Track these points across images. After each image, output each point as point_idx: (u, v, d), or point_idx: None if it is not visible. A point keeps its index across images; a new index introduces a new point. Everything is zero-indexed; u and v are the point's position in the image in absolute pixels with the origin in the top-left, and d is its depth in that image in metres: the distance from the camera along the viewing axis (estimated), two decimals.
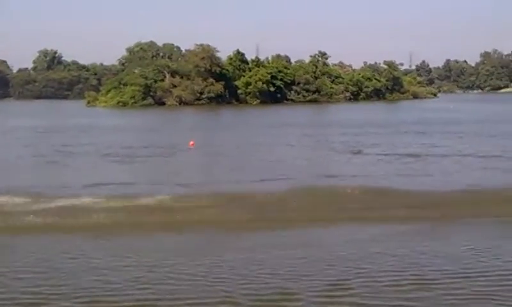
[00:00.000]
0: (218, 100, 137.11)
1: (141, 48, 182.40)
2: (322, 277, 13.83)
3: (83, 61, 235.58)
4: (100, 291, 13.10)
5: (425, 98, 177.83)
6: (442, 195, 23.66)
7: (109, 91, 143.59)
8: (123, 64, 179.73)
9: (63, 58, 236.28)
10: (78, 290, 13.16)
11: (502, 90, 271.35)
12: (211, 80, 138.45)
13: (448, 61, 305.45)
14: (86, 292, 13.05)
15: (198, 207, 21.52)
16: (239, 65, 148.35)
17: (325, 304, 12.33)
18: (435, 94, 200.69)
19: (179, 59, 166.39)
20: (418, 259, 15.33)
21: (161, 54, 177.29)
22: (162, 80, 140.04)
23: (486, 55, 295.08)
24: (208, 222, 19.94)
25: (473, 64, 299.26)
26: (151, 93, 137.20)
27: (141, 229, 19.17)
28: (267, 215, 20.72)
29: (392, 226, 19.18)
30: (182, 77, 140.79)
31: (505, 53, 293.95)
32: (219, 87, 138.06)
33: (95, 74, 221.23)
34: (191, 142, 45.92)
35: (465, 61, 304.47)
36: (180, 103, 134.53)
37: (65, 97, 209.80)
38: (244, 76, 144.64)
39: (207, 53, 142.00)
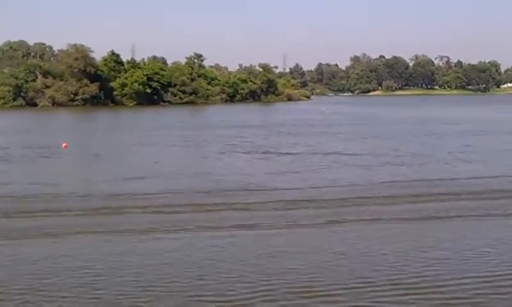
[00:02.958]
0: (93, 101, 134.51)
1: (11, 47, 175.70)
2: None
3: None
4: None
5: (299, 100, 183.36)
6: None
7: None
8: None
9: None
10: None
11: (371, 93, 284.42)
12: (85, 81, 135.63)
13: (320, 64, 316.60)
14: None
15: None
16: (114, 66, 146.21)
17: None
18: (308, 97, 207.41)
19: (51, 59, 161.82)
20: None
21: (32, 54, 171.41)
22: (34, 80, 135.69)
23: (355, 60, 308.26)
24: None
25: (344, 68, 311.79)
26: (22, 94, 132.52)
27: None
28: None
29: None
30: (54, 78, 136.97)
31: (374, 57, 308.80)
32: (93, 88, 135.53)
33: None
34: (64, 144, 45.50)
35: (336, 65, 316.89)
36: (53, 105, 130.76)
37: None
38: (119, 77, 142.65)
39: (80, 53, 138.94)
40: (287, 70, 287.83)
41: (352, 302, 12.79)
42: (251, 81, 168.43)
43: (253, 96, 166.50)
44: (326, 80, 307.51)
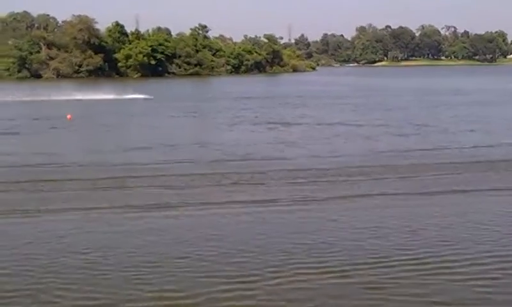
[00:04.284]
0: (98, 72, 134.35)
1: (15, 19, 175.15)
2: None
3: None
4: None
5: (304, 71, 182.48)
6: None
7: None
8: None
9: None
10: None
11: (377, 64, 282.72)
12: (90, 52, 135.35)
13: (325, 35, 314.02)
14: None
15: None
16: (119, 37, 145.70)
17: None
18: (314, 68, 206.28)
19: (55, 30, 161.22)
20: None
21: (36, 25, 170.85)
22: (38, 52, 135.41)
23: (361, 30, 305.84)
24: None
25: (349, 39, 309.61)
26: (26, 66, 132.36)
27: None
28: None
29: None
30: (59, 49, 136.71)
31: (380, 28, 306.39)
32: (98, 59, 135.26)
33: None
34: (68, 116, 45.48)
35: (342, 35, 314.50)
36: (57, 76, 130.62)
37: None
38: (124, 49, 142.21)
39: (84, 24, 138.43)
40: (292, 41, 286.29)
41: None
42: (256, 52, 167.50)
43: (258, 68, 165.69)
44: (332, 51, 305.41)
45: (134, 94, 68.89)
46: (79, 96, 66.57)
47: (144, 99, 65.47)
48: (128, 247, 14.47)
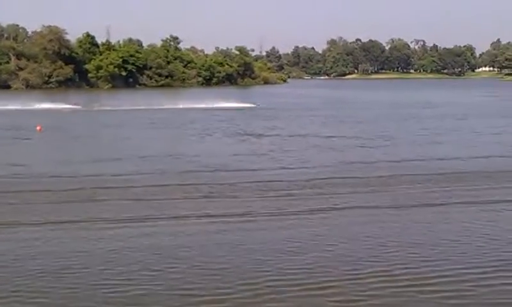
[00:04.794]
0: (68, 83, 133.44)
1: None
2: None
3: None
4: None
5: (275, 83, 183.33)
6: None
7: None
8: None
9: None
10: None
11: (347, 76, 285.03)
12: (60, 63, 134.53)
13: (297, 47, 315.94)
14: None
15: None
16: (89, 48, 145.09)
17: None
18: (285, 80, 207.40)
19: (25, 40, 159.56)
20: None
21: (5, 35, 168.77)
22: (8, 62, 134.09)
23: (332, 43, 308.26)
24: None
25: (320, 51, 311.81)
26: None
27: None
28: None
29: None
30: (28, 60, 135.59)
31: (350, 41, 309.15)
32: (68, 70, 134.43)
33: None
34: (38, 127, 45.04)
35: (313, 48, 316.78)
36: (27, 87, 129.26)
37: None
38: (94, 60, 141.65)
39: (55, 35, 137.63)
40: (264, 53, 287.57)
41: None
42: (227, 64, 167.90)
43: (230, 80, 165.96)
44: (303, 63, 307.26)
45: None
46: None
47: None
48: (95, 261, 14.30)
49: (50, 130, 45.64)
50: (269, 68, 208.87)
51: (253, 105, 71.98)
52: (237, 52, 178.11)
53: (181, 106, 69.20)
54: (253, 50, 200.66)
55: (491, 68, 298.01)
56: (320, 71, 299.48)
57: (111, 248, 15.30)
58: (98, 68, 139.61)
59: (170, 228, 17.30)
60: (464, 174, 25.69)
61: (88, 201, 20.65)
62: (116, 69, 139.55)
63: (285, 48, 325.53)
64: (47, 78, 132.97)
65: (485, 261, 14.32)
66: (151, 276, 13.30)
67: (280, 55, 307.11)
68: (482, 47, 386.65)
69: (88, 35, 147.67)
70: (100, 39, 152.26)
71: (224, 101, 73.88)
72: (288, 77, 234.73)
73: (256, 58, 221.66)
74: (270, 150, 34.07)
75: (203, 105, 69.24)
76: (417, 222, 17.89)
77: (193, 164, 28.52)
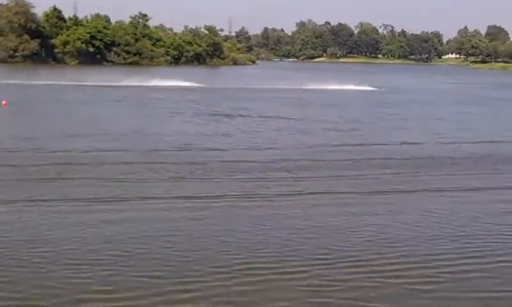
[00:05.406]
0: (34, 58, 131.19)
1: None
2: None
3: None
4: None
5: (244, 64, 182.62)
6: None
7: None
8: None
9: None
10: None
11: (316, 59, 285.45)
12: (26, 37, 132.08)
13: (266, 29, 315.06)
14: None
15: None
16: (56, 23, 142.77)
17: None
18: (254, 61, 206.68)
19: None
20: None
21: None
22: None
23: (301, 25, 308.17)
24: None
25: (289, 34, 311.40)
26: None
27: None
28: None
29: None
30: None
31: (319, 24, 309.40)
32: (34, 45, 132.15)
33: None
34: (4, 102, 44.32)
35: (282, 30, 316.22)
36: None
37: None
38: (61, 34, 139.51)
39: (21, 8, 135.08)
40: (233, 34, 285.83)
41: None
42: (196, 44, 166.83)
43: (198, 59, 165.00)
44: (272, 45, 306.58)
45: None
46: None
47: None
48: (59, 242, 14.19)
49: (16, 106, 44.94)
50: (238, 49, 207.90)
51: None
52: (206, 32, 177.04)
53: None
54: (222, 30, 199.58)
55: (458, 56, 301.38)
56: (289, 53, 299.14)
57: (78, 228, 15.22)
58: (65, 43, 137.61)
59: (136, 210, 17.23)
60: (429, 160, 26.13)
61: (55, 179, 20.45)
62: (83, 45, 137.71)
63: (254, 30, 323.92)
64: (12, 52, 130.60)
65: (449, 247, 14.61)
66: (118, 258, 13.28)
67: (249, 36, 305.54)
68: (449, 33, 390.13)
69: (55, 9, 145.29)
70: (67, 14, 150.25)
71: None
72: (258, 59, 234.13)
73: (226, 38, 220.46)
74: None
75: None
76: (383, 207, 18.14)
77: (165, 143, 28.47)
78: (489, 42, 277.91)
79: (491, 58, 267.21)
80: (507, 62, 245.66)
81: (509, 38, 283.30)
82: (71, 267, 12.63)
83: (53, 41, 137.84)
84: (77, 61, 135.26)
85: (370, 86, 77.09)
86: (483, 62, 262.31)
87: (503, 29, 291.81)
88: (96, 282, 11.95)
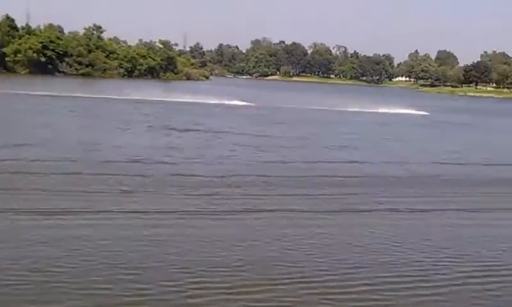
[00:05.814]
0: None
1: None
2: None
3: None
4: None
5: (198, 79, 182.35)
6: None
7: None
8: None
9: None
10: None
11: (269, 77, 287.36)
12: None
13: (221, 45, 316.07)
14: None
15: None
16: (9, 31, 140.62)
17: None
18: (207, 77, 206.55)
19: None
20: None
21: None
22: None
23: (256, 43, 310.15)
24: None
25: (244, 51, 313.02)
26: None
27: None
28: None
29: None
30: None
31: (274, 42, 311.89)
32: None
33: None
34: None
35: (237, 47, 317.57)
36: None
37: None
38: (13, 43, 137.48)
39: None
40: (187, 49, 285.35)
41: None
42: (150, 57, 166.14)
43: (152, 73, 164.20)
44: (226, 61, 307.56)
45: None
46: None
47: None
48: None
49: None
50: (192, 64, 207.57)
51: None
52: (161, 46, 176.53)
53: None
54: (176, 45, 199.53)
55: (408, 78, 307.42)
56: (243, 70, 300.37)
57: (23, 239, 15.14)
58: (17, 52, 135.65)
59: (81, 222, 17.20)
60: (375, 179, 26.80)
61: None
62: (35, 54, 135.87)
63: (209, 45, 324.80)
64: None
65: (401, 270, 14.99)
66: (58, 270, 13.28)
67: (203, 51, 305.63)
68: (400, 57, 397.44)
69: (8, 17, 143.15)
70: (20, 23, 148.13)
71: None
72: (211, 74, 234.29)
73: (180, 53, 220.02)
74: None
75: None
76: (332, 226, 18.50)
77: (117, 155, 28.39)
78: (438, 66, 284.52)
79: (440, 82, 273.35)
80: (455, 86, 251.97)
81: (457, 63, 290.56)
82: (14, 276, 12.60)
83: (4, 49, 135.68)
84: (27, 70, 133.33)
85: None
86: (432, 86, 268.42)
87: (452, 54, 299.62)
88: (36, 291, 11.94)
